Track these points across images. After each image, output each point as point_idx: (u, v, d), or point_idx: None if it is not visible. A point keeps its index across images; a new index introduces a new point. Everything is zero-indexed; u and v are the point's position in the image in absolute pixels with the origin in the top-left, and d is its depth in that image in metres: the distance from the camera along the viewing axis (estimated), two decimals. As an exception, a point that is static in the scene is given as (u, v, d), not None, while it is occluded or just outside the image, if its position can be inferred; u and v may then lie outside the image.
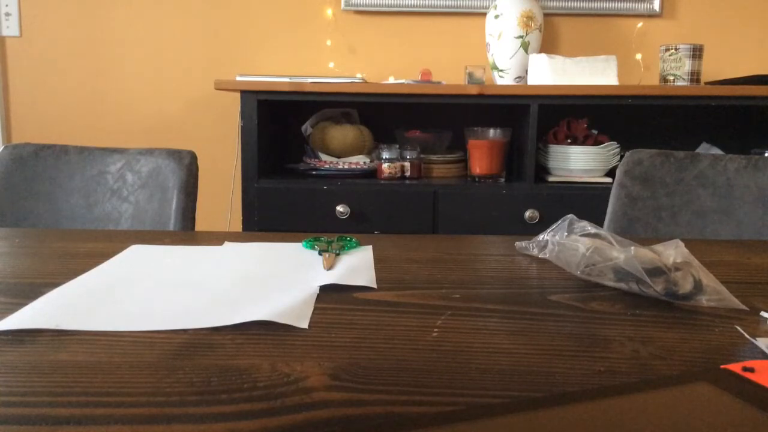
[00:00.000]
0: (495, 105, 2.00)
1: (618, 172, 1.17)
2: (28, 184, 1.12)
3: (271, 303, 0.49)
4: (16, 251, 0.69)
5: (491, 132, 1.83)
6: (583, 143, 1.85)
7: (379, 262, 0.64)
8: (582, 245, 0.59)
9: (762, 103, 1.73)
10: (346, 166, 1.86)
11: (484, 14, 2.04)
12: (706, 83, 1.96)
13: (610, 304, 0.52)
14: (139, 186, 1.10)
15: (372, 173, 1.87)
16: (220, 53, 2.18)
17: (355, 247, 0.69)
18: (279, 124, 2.03)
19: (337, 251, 0.66)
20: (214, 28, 2.17)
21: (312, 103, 1.96)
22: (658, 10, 2.12)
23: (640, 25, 2.16)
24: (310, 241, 0.70)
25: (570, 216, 0.66)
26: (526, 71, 1.91)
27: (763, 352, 0.41)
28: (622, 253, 0.55)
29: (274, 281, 0.57)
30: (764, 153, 1.87)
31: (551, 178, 1.82)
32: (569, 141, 1.86)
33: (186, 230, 1.07)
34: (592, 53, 2.08)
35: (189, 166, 1.09)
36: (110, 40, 2.18)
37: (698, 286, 0.52)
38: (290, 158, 2.10)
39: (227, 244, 0.72)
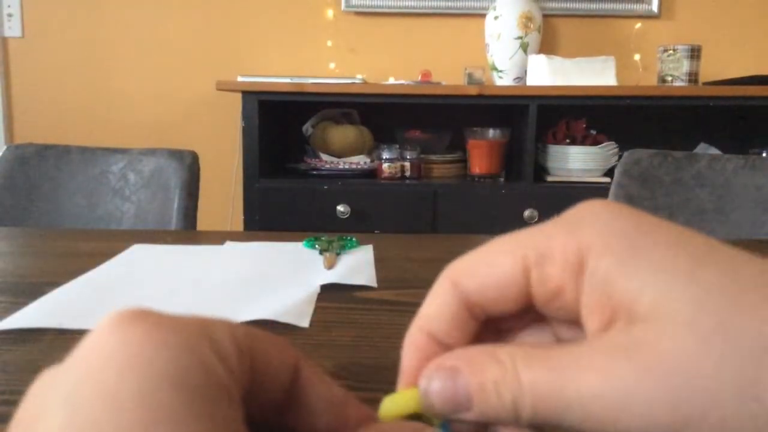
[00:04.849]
0: (494, 105, 2.00)
1: (616, 171, 1.17)
2: (31, 184, 1.13)
3: (272, 302, 0.50)
4: (18, 251, 0.69)
5: (491, 132, 1.84)
6: (581, 143, 1.85)
7: (379, 261, 0.65)
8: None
9: (760, 104, 1.74)
10: (346, 166, 1.86)
11: (484, 15, 2.04)
12: (704, 83, 1.96)
13: (608, 302, 0.52)
14: (141, 186, 1.11)
15: (372, 173, 1.87)
16: (222, 54, 2.18)
17: (355, 246, 0.70)
18: (280, 125, 2.04)
19: (338, 250, 0.67)
20: (216, 29, 2.18)
21: (313, 104, 1.97)
22: (656, 11, 2.12)
23: (638, 26, 2.16)
24: (310, 240, 0.70)
25: (568, 216, 0.67)
26: (525, 72, 1.92)
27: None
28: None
29: (274, 280, 0.57)
30: (762, 153, 1.87)
31: (550, 178, 1.83)
32: (568, 141, 1.87)
33: (187, 230, 1.07)
34: (590, 54, 2.09)
35: (191, 166, 1.10)
36: (112, 40, 2.18)
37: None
38: (291, 158, 2.11)
39: (228, 244, 0.72)
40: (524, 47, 1.94)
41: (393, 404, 0.20)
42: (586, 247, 0.18)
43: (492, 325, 0.21)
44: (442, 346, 0.20)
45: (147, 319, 0.17)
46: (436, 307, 0.21)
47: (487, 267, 0.20)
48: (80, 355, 0.16)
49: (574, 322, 0.19)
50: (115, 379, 0.15)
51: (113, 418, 0.14)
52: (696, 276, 0.17)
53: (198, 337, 0.16)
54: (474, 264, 0.20)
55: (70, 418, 0.14)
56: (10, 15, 2.16)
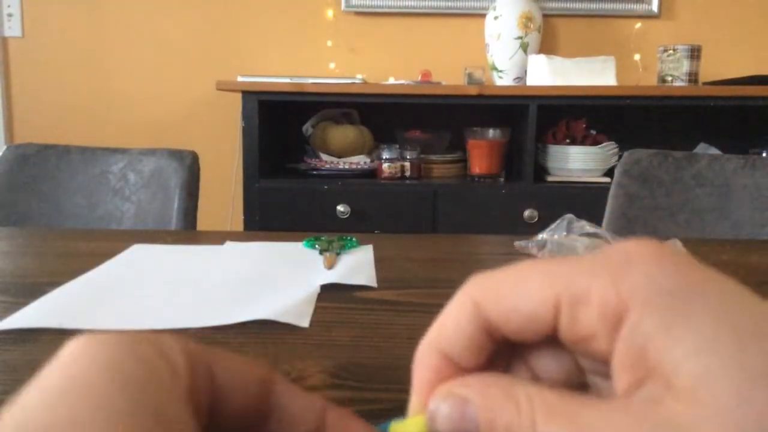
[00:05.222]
0: (494, 105, 2.00)
1: (616, 171, 1.17)
2: (31, 184, 1.13)
3: (272, 302, 0.50)
4: (18, 250, 0.69)
5: (491, 132, 1.84)
6: (581, 143, 1.85)
7: (379, 261, 0.65)
8: (580, 244, 0.60)
9: (760, 104, 1.74)
10: (346, 166, 1.86)
11: (484, 15, 2.04)
12: (704, 83, 1.96)
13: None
14: (141, 186, 1.11)
15: (372, 173, 1.87)
16: (222, 54, 2.18)
17: (355, 246, 0.70)
18: (280, 125, 2.04)
19: (338, 250, 0.67)
20: (216, 30, 2.18)
21: (313, 104, 1.97)
22: (656, 11, 2.13)
23: (638, 26, 2.16)
24: (310, 240, 0.70)
25: (569, 215, 0.67)
26: (525, 72, 1.92)
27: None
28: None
29: (274, 280, 0.57)
30: (762, 153, 1.87)
31: (550, 178, 1.83)
32: (568, 141, 1.87)
33: (187, 230, 1.07)
34: (590, 54, 2.09)
35: (191, 166, 1.10)
36: (112, 40, 2.18)
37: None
38: (291, 158, 2.11)
39: (228, 244, 0.72)
40: (524, 47, 1.94)
41: (401, 429, 0.20)
42: (627, 298, 0.17)
43: (509, 342, 0.20)
44: (456, 364, 0.20)
45: (95, 335, 0.17)
46: (454, 326, 0.20)
47: (515, 296, 0.19)
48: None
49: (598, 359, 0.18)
50: (54, 376, 0.16)
51: (48, 407, 0.15)
52: (743, 359, 0.16)
53: (142, 342, 0.17)
54: (501, 289, 0.19)
55: (10, 417, 0.15)
56: (10, 15, 2.16)
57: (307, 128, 1.98)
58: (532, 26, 1.93)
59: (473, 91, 1.75)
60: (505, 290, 0.19)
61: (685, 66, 1.83)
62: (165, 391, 0.16)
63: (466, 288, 0.20)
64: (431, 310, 0.49)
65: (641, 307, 0.17)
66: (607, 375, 0.18)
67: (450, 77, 2.11)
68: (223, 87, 1.75)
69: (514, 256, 0.69)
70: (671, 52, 1.85)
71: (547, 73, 1.79)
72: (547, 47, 2.11)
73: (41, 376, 0.16)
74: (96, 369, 0.16)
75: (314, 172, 1.87)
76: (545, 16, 2.07)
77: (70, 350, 0.17)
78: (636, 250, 0.18)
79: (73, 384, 0.15)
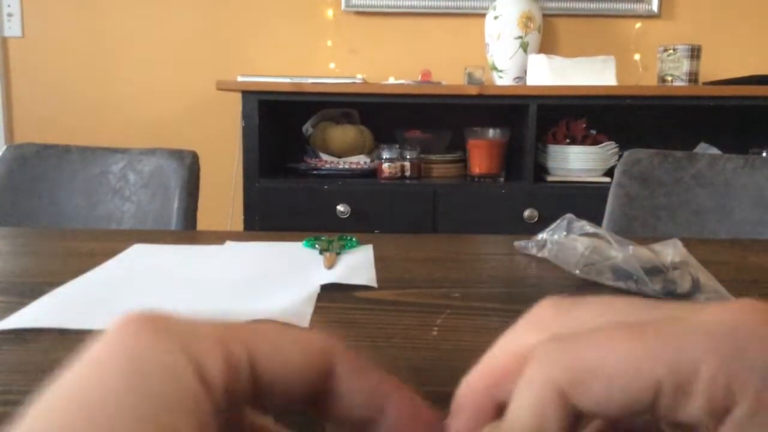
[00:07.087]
0: (494, 105, 2.00)
1: (616, 171, 1.17)
2: (31, 184, 1.13)
3: (272, 302, 0.50)
4: (18, 250, 0.69)
5: (491, 132, 1.84)
6: (581, 143, 1.85)
7: (379, 261, 0.65)
8: (581, 244, 0.60)
9: (760, 103, 1.74)
10: (346, 166, 1.86)
11: (484, 15, 2.04)
12: (704, 83, 1.96)
13: (608, 302, 0.52)
14: (141, 186, 1.11)
15: (372, 173, 1.87)
16: (222, 54, 2.18)
17: (355, 246, 0.70)
18: (280, 125, 2.04)
19: (338, 250, 0.67)
20: (216, 29, 2.18)
21: (313, 104, 1.97)
22: (656, 10, 2.12)
23: (638, 25, 2.16)
24: (310, 240, 0.70)
25: (569, 215, 0.67)
26: (525, 72, 1.92)
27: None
28: (621, 252, 0.55)
29: (274, 280, 0.57)
30: (762, 153, 1.87)
31: (550, 178, 1.83)
32: (568, 141, 1.87)
33: (188, 230, 1.07)
34: (590, 54, 2.09)
35: (191, 165, 1.10)
36: (112, 40, 2.18)
37: (696, 285, 0.52)
38: (291, 158, 2.11)
39: (228, 244, 0.72)
40: (524, 47, 1.94)
41: None
42: (737, 389, 0.15)
43: None
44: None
45: (134, 325, 0.17)
46: (536, 422, 0.17)
47: (607, 378, 0.16)
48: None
49: None
50: (76, 375, 0.16)
51: (57, 415, 0.15)
52: None
53: (176, 351, 0.16)
54: (590, 372, 0.16)
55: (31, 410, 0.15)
56: (10, 15, 2.15)
57: (307, 128, 1.98)
58: (532, 26, 1.93)
59: (473, 91, 1.75)
60: (596, 375, 0.16)
61: (685, 66, 1.83)
62: (183, 416, 0.15)
63: (544, 371, 0.17)
64: (431, 310, 0.49)
65: (751, 400, 0.15)
66: None
67: (450, 77, 2.11)
68: (223, 87, 1.75)
69: (515, 256, 0.69)
70: (671, 52, 1.85)
71: (547, 73, 1.79)
72: (547, 47, 2.11)
73: (67, 373, 0.16)
74: (117, 380, 0.15)
75: (314, 172, 1.87)
76: (545, 15, 2.07)
77: (104, 344, 0.17)
78: (746, 323, 0.16)
79: (87, 394, 0.15)
